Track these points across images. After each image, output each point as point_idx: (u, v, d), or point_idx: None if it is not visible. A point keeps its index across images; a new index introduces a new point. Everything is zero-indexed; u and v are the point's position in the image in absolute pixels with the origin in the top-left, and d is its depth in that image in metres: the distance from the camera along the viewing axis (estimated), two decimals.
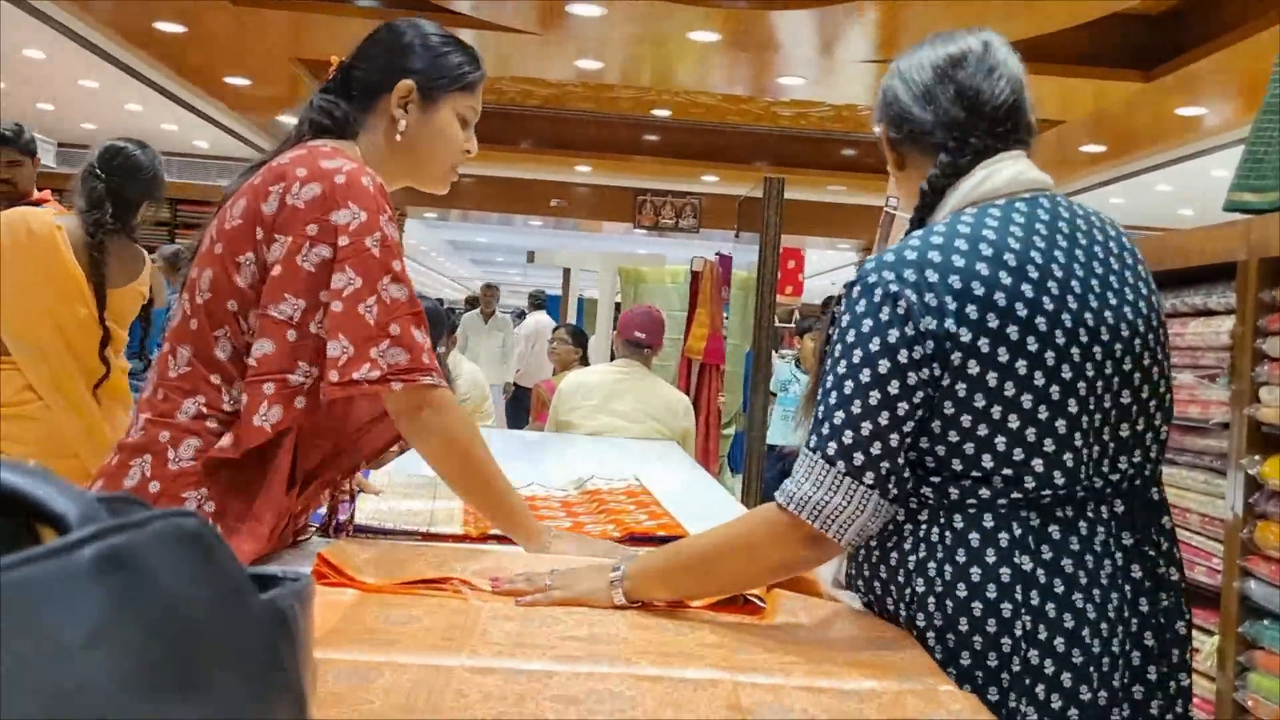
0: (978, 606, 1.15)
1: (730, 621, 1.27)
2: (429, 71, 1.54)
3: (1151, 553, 1.23)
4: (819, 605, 1.37)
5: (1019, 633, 1.14)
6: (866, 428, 1.16)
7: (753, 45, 5.94)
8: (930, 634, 1.17)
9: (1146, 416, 1.24)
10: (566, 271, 11.93)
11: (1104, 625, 1.15)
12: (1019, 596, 1.14)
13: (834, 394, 1.18)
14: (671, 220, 10.75)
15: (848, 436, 1.16)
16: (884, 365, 1.16)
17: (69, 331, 2.78)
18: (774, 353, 5.28)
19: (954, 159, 1.26)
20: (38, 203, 3.17)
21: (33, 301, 2.73)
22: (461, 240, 15.92)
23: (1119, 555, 1.19)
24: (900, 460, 1.17)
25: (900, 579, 1.21)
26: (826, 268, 15.23)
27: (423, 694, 0.96)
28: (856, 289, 1.21)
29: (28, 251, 2.72)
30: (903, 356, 1.15)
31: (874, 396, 1.16)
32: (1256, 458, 2.15)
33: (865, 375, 1.16)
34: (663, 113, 8.58)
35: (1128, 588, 1.19)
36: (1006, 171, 1.25)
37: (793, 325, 8.24)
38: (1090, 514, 1.18)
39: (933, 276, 1.16)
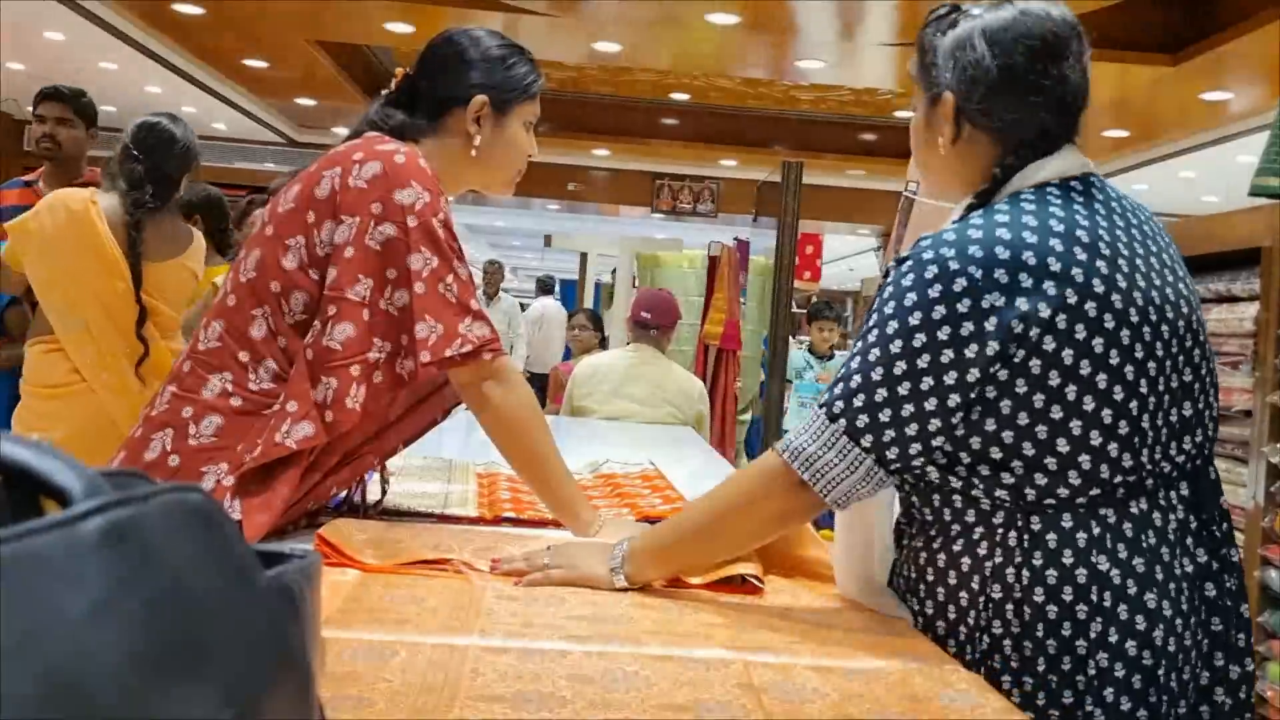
0: (1053, 610, 1.12)
1: (732, 602, 1.29)
2: (499, 85, 1.56)
3: (1217, 534, 1.21)
4: (815, 589, 1.39)
5: (1093, 636, 1.12)
6: (880, 394, 1.14)
7: (772, 28, 5.89)
8: (1007, 641, 1.15)
9: (1204, 393, 1.23)
10: (583, 256, 11.92)
11: (1178, 621, 1.14)
12: (1094, 599, 1.12)
13: (857, 358, 1.17)
14: (689, 204, 10.71)
15: (858, 399, 1.15)
16: (919, 339, 1.13)
17: (112, 307, 2.83)
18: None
19: (1034, 152, 1.22)
20: (86, 182, 3.18)
21: (77, 278, 2.80)
22: (478, 224, 15.88)
23: (1189, 540, 1.18)
24: (909, 433, 1.14)
25: (975, 585, 1.18)
26: (845, 253, 15.14)
27: (440, 673, 0.97)
28: (908, 264, 1.17)
29: (68, 230, 2.79)
30: (943, 333, 1.12)
31: (899, 366, 1.13)
32: (1279, 446, 2.13)
33: (895, 345, 1.14)
34: (681, 96, 8.54)
35: (1194, 572, 1.18)
36: (1053, 164, 1.22)
37: (806, 312, 8.18)
38: (1162, 502, 1.17)
39: (1004, 254, 1.13)
